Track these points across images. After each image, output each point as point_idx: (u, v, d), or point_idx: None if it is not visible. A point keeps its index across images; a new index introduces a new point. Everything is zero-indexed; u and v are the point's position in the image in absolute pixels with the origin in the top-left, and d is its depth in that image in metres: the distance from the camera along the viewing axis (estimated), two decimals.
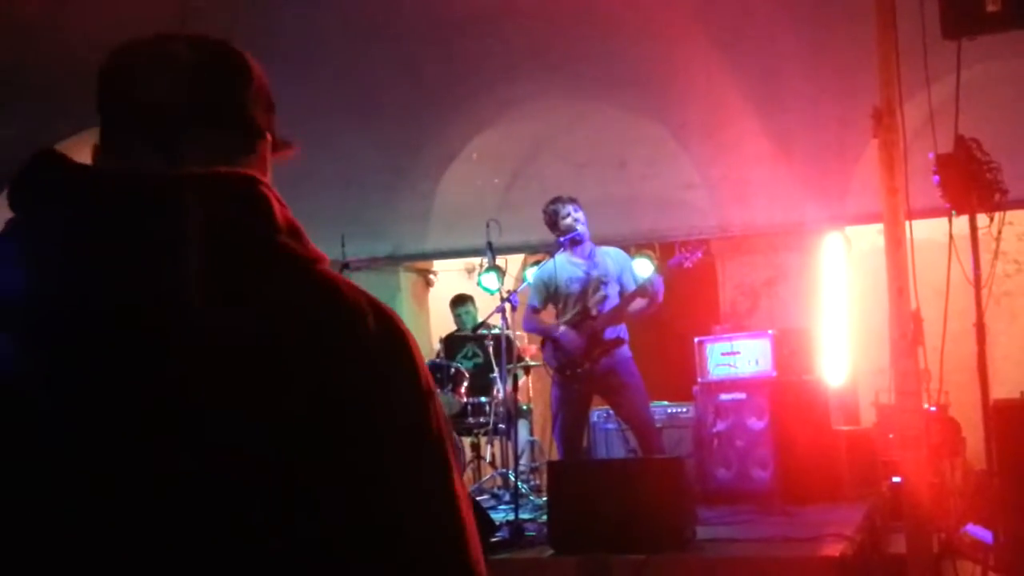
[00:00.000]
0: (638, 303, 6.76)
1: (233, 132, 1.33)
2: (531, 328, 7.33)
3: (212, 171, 1.24)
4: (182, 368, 1.15)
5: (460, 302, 9.36)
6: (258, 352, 1.17)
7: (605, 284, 6.83)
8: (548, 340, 6.96)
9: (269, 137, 1.38)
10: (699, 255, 6.76)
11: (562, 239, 6.84)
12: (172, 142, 1.28)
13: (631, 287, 6.81)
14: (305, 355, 1.18)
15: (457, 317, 9.34)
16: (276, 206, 1.25)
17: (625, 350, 6.83)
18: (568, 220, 6.83)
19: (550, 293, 6.95)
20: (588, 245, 6.96)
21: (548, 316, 7.13)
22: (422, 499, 1.22)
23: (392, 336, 1.25)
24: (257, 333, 1.18)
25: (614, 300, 6.82)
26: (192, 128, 1.29)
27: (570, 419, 6.87)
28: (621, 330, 6.87)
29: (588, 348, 6.74)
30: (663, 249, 8.80)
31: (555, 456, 6.90)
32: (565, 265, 6.90)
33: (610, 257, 6.96)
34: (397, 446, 1.21)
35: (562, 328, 6.83)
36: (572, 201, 6.92)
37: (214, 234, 1.19)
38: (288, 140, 1.41)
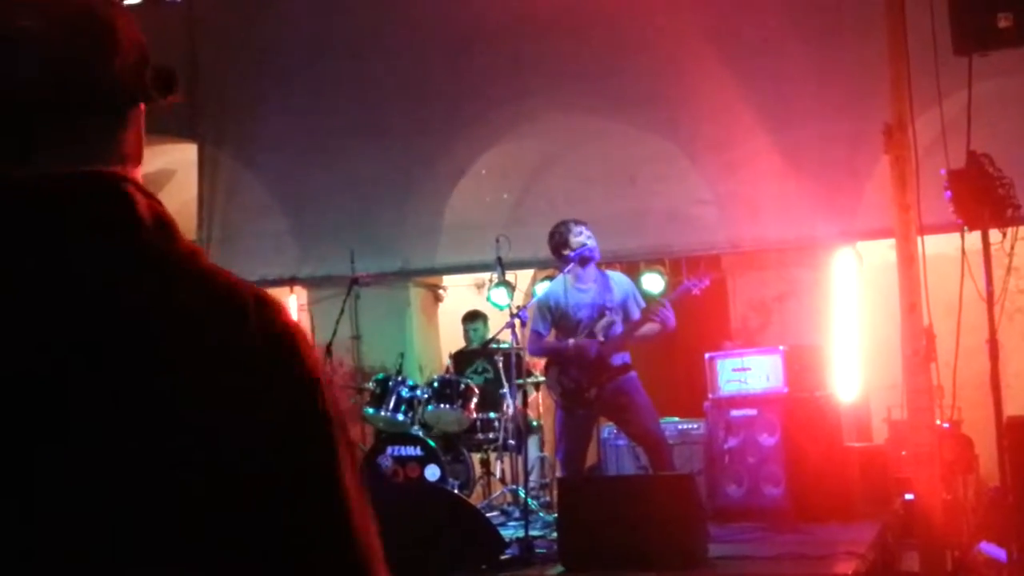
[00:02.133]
0: (647, 327, 6.75)
1: (95, 112, 1.17)
2: (538, 351, 7.27)
3: (60, 176, 1.12)
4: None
5: (472, 318, 9.33)
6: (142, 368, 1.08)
7: (611, 310, 6.82)
8: (555, 363, 6.93)
9: (143, 106, 1.21)
10: (707, 283, 6.75)
11: (571, 254, 6.82)
12: (23, 132, 1.13)
13: (635, 314, 6.80)
14: (186, 361, 1.09)
15: (466, 333, 9.32)
16: (140, 200, 1.14)
17: (631, 374, 6.83)
18: (580, 238, 6.83)
19: (555, 317, 6.92)
20: (595, 270, 6.94)
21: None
22: (304, 507, 1.12)
23: (275, 328, 1.15)
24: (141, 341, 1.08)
25: (620, 327, 6.82)
26: (45, 114, 1.13)
27: (573, 443, 6.88)
28: (626, 356, 6.87)
29: (595, 373, 6.73)
30: (673, 265, 8.78)
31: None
32: (572, 291, 6.88)
33: (615, 283, 6.95)
34: (280, 452, 1.12)
35: (572, 341, 6.82)
36: (582, 223, 6.93)
37: (70, 251, 1.09)
38: (169, 83, 1.22)
